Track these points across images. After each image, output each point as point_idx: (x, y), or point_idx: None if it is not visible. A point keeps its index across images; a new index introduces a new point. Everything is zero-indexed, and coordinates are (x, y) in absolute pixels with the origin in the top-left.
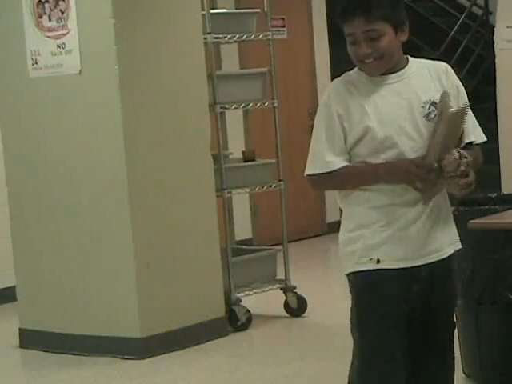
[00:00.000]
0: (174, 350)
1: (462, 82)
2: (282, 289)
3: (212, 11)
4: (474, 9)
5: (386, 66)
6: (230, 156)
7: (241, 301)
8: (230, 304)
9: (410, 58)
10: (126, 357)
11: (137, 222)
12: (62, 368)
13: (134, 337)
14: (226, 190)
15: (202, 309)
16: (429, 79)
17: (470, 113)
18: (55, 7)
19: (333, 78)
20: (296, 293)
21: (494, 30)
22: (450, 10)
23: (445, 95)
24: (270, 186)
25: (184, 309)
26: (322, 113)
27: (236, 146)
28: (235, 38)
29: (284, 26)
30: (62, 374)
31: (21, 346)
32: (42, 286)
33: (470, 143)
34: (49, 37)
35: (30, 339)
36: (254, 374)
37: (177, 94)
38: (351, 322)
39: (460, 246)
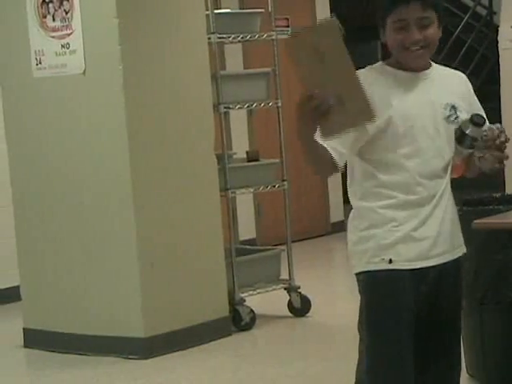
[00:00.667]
0: (178, 350)
1: None
2: (285, 289)
3: (216, 11)
4: (478, 9)
5: (427, 58)
6: (234, 156)
7: (244, 301)
8: (234, 304)
9: (432, 62)
10: (129, 356)
11: (140, 221)
12: (66, 368)
13: (138, 336)
14: (230, 190)
15: (205, 309)
16: (450, 83)
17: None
18: (59, 7)
19: None
20: (300, 293)
21: (498, 30)
22: (454, 9)
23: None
24: (274, 186)
25: (188, 309)
26: None
27: (240, 146)
28: (239, 38)
29: (288, 26)
30: (65, 373)
31: (25, 346)
32: (46, 286)
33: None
34: (53, 37)
35: (34, 339)
36: (257, 374)
37: (181, 94)
38: (359, 322)
39: (465, 251)
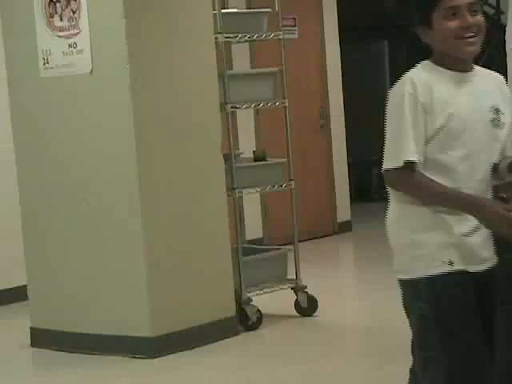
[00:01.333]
0: (185, 350)
1: None
2: (292, 288)
3: (223, 11)
4: (486, 8)
5: (479, 46)
6: (241, 155)
7: (251, 300)
8: (241, 303)
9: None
10: (137, 356)
11: (148, 221)
12: (73, 367)
13: (145, 336)
14: (237, 190)
15: (212, 308)
16: (492, 85)
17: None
18: (66, 7)
19: (343, 78)
20: (307, 292)
21: (505, 30)
22: None
23: None
24: (281, 186)
25: (195, 308)
26: (405, 103)
27: (247, 146)
28: (246, 38)
29: (295, 26)
30: (72, 373)
31: (32, 345)
32: (54, 285)
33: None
34: (60, 36)
35: (41, 338)
36: (264, 374)
37: (188, 94)
38: (414, 341)
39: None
